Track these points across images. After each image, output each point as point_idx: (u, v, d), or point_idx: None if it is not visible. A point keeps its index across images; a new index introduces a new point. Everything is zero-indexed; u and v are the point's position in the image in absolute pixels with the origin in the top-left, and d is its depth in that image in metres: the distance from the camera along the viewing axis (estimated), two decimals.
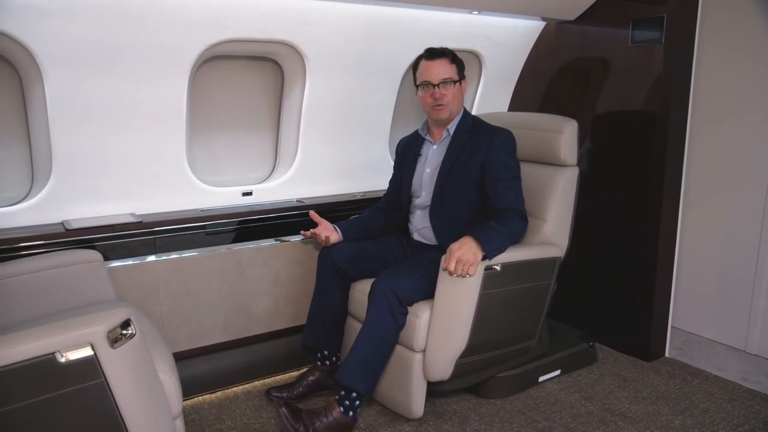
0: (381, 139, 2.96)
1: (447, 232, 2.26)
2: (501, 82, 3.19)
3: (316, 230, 2.37)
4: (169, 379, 1.66)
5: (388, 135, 2.97)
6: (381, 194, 2.86)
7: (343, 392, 2.10)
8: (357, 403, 2.09)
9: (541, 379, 2.54)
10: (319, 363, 2.42)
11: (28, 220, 2.20)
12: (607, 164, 2.84)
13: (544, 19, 2.96)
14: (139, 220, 2.29)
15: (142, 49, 2.14)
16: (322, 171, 2.82)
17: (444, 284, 2.08)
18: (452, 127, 2.32)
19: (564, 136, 2.42)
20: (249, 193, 2.66)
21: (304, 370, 2.47)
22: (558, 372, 2.59)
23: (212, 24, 2.23)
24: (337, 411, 2.07)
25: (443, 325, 2.10)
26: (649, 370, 2.66)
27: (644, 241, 2.70)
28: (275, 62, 2.68)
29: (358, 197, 2.83)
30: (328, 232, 2.37)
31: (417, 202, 2.37)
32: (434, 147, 2.36)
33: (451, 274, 2.01)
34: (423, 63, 2.28)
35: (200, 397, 2.45)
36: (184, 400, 2.06)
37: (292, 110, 2.69)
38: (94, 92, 2.14)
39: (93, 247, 2.19)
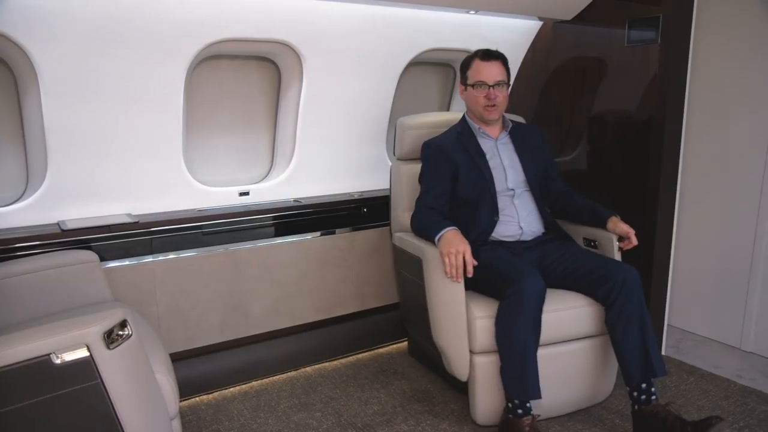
0: (378, 139, 2.96)
1: (548, 216, 2.38)
2: None
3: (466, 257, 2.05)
4: (165, 380, 1.65)
5: (385, 135, 2.97)
6: (378, 194, 2.88)
7: (653, 388, 2.05)
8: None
9: None
10: (533, 413, 2.03)
11: (23, 220, 2.19)
12: (603, 163, 2.85)
13: (540, 18, 2.96)
14: (136, 220, 2.29)
15: (139, 48, 2.13)
16: (319, 171, 2.82)
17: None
18: (508, 124, 2.41)
19: None
20: (246, 193, 2.65)
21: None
22: None
23: (210, 23, 2.22)
24: (662, 406, 2.03)
25: None
26: None
27: (641, 240, 2.70)
28: (272, 62, 2.67)
29: (356, 197, 2.83)
30: (464, 240, 2.10)
31: (515, 193, 2.32)
32: (499, 142, 2.38)
33: (620, 249, 2.29)
34: (478, 63, 2.30)
35: (197, 398, 2.44)
36: (181, 401, 2.06)
37: (289, 110, 2.69)
38: (90, 91, 2.13)
39: (89, 248, 2.18)
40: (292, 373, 2.66)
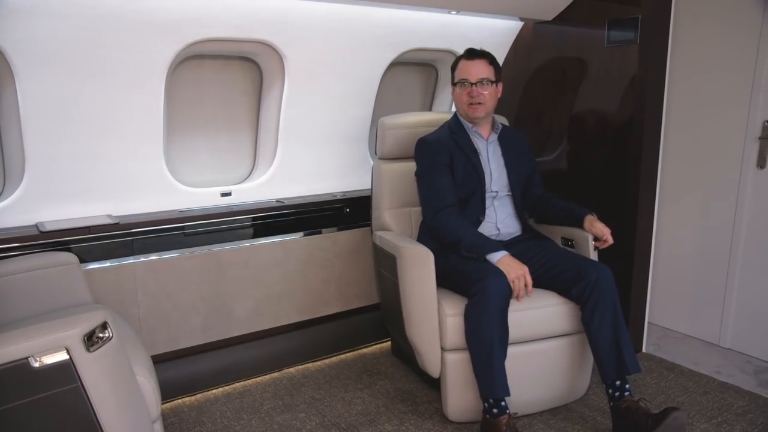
0: (360, 139, 2.96)
1: (524, 219, 2.43)
2: None
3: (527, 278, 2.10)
4: (147, 382, 1.64)
5: (367, 135, 2.97)
6: (361, 194, 2.87)
7: (627, 385, 2.08)
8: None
9: None
10: (508, 412, 2.02)
11: (0, 222, 2.15)
12: (584, 163, 2.88)
13: (521, 19, 2.99)
14: (116, 221, 2.26)
15: (118, 47, 2.11)
16: (301, 171, 2.81)
17: (594, 258, 2.30)
18: (499, 126, 2.43)
19: None
20: (228, 194, 2.64)
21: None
22: None
23: (190, 23, 2.21)
24: (634, 401, 2.04)
25: None
26: None
27: (620, 240, 2.73)
28: (254, 62, 2.66)
29: (338, 197, 2.83)
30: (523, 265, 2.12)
31: (497, 195, 2.36)
32: (488, 142, 2.40)
33: (596, 249, 2.31)
34: (462, 62, 2.33)
35: (180, 400, 2.42)
36: (163, 403, 2.04)
37: (271, 110, 2.68)
38: (69, 92, 2.11)
39: (69, 250, 2.15)
40: (276, 374, 2.65)
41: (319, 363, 2.76)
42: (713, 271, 2.87)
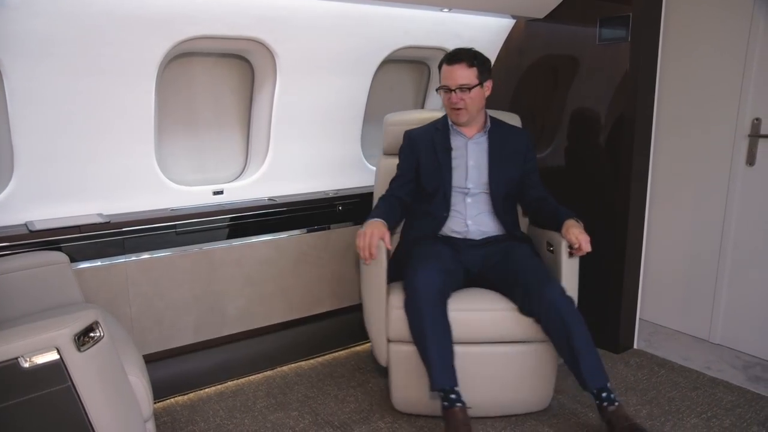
0: (353, 137, 2.96)
1: (507, 218, 2.37)
2: None
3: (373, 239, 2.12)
4: (139, 382, 1.63)
5: (359, 132, 2.97)
6: (353, 192, 2.88)
7: (604, 393, 2.04)
8: (613, 394, 2.05)
9: None
10: (458, 404, 2.03)
11: None
12: (576, 160, 2.89)
13: (513, 16, 2.99)
14: (107, 220, 2.25)
15: (108, 44, 2.10)
16: (294, 169, 2.81)
17: (569, 265, 2.22)
18: (489, 124, 2.40)
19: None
20: (220, 192, 2.63)
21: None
22: None
23: (181, 20, 2.19)
24: (615, 406, 2.02)
25: None
26: (618, 361, 2.72)
27: (612, 236, 2.75)
28: (246, 60, 2.65)
29: (331, 195, 2.83)
30: (382, 228, 2.16)
31: (468, 191, 2.35)
32: (471, 141, 2.38)
33: (572, 255, 2.18)
34: (444, 67, 2.30)
35: (172, 399, 2.42)
36: (155, 403, 2.04)
37: (263, 108, 2.67)
38: (58, 89, 2.09)
39: (59, 249, 2.14)
40: (269, 373, 2.65)
41: (312, 361, 2.76)
42: (703, 267, 2.89)
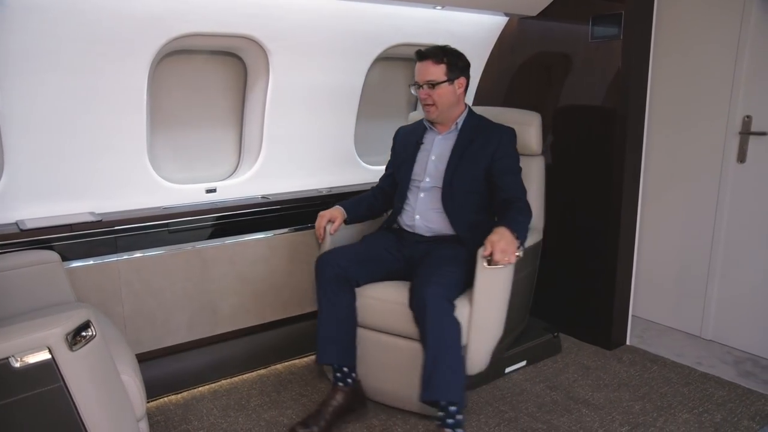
0: (346, 134, 2.95)
1: (459, 217, 2.28)
2: None
3: (329, 218, 2.39)
4: (132, 381, 1.63)
5: (353, 130, 2.96)
6: (347, 189, 2.87)
7: (441, 413, 1.98)
8: (460, 417, 1.98)
9: (507, 370, 2.58)
10: (340, 384, 2.18)
11: None
12: (568, 158, 2.90)
13: (506, 14, 3.00)
14: (99, 219, 2.24)
15: (100, 41, 2.08)
16: (287, 167, 2.80)
17: (483, 276, 2.07)
18: (461, 120, 2.36)
19: (533, 128, 2.55)
20: (213, 190, 2.62)
21: (326, 396, 2.24)
22: (524, 363, 2.64)
23: (173, 17, 2.18)
24: None
25: (484, 316, 2.10)
26: (611, 358, 2.74)
27: (605, 233, 2.76)
28: (238, 57, 2.64)
29: (324, 192, 2.82)
30: (336, 213, 2.40)
31: (421, 185, 2.34)
32: (440, 137, 2.37)
33: (489, 264, 2.00)
34: (416, 63, 2.30)
35: (165, 398, 2.41)
36: (148, 402, 2.03)
37: (256, 105, 2.66)
38: (49, 87, 2.07)
39: (50, 248, 2.12)
40: (262, 371, 2.64)
41: (305, 359, 2.75)
42: (695, 264, 2.91)
